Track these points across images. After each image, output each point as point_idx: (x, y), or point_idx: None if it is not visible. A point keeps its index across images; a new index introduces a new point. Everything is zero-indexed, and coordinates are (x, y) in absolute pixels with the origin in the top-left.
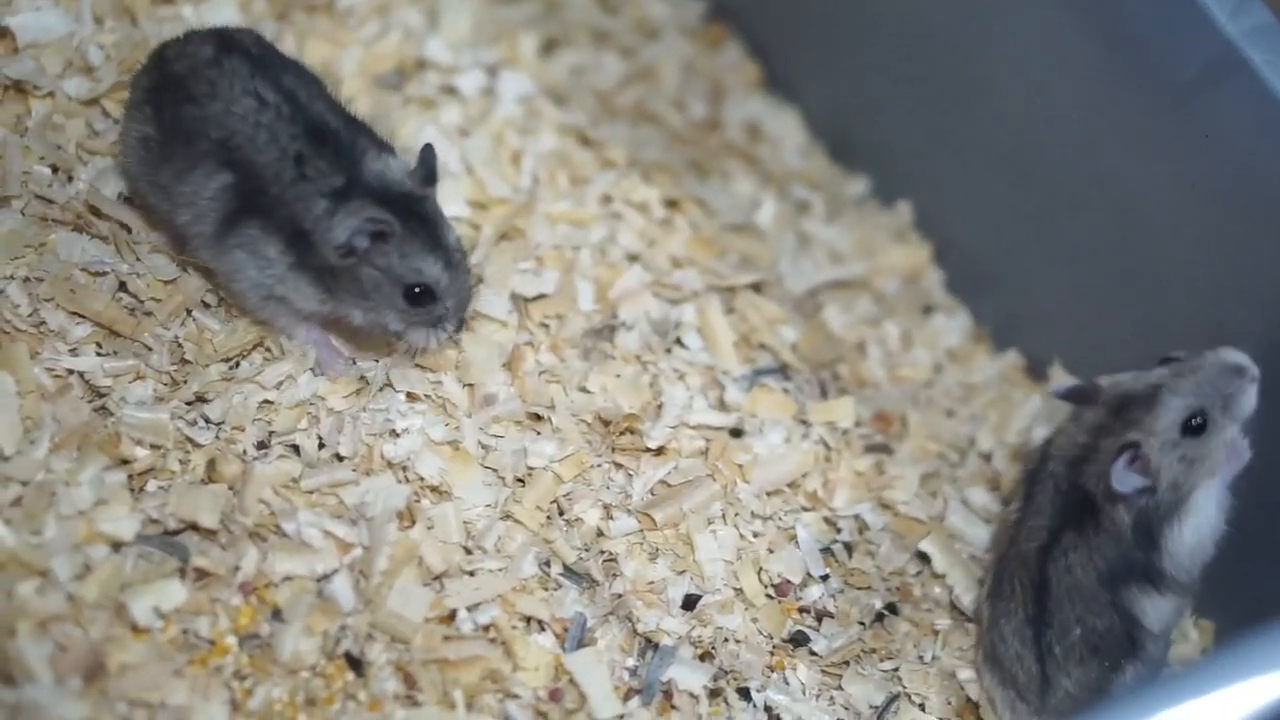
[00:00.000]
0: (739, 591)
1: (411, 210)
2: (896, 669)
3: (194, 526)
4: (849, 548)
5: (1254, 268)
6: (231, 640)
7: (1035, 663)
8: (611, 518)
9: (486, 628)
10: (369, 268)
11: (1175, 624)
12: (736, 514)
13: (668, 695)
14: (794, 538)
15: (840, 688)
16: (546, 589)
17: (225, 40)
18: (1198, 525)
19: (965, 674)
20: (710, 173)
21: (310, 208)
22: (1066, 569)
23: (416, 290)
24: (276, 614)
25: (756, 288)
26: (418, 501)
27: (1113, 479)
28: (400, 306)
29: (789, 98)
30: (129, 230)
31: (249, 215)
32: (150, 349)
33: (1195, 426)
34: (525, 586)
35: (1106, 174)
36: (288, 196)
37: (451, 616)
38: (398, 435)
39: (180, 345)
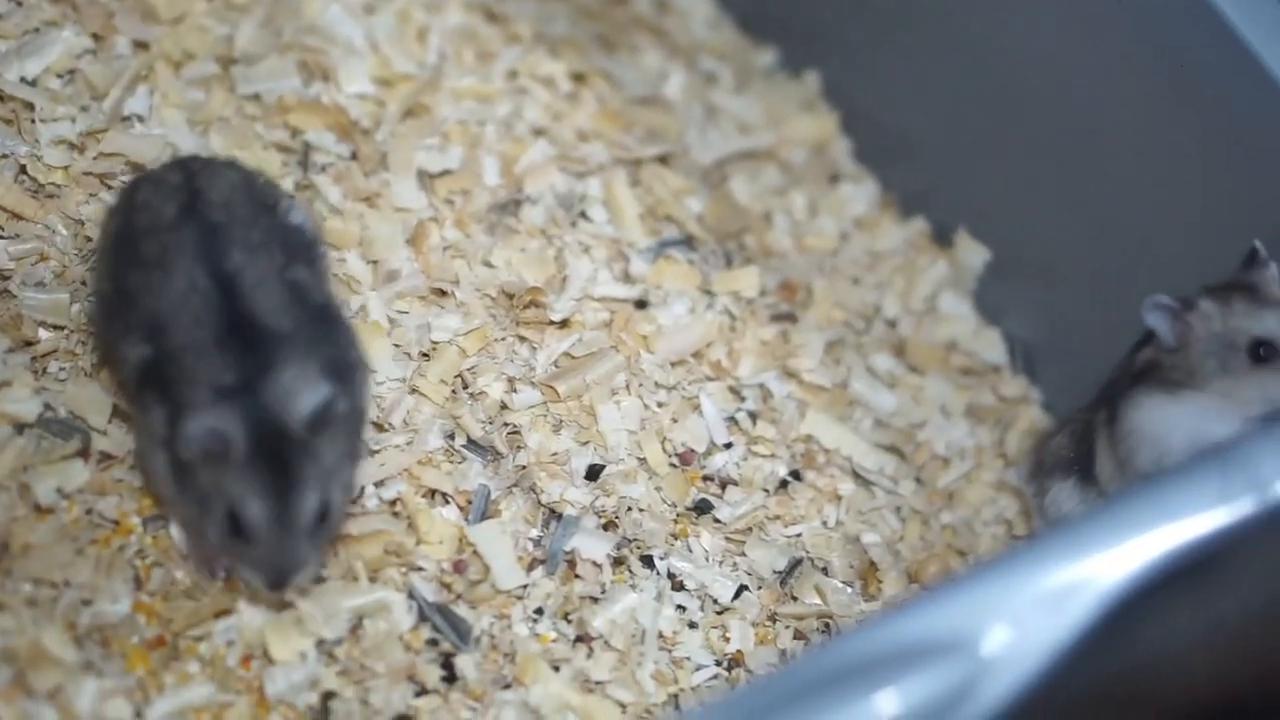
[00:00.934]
0: (643, 461)
1: (273, 446)
2: (799, 535)
3: None
4: (753, 416)
5: (1161, 134)
6: (135, 520)
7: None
8: (515, 390)
9: (392, 503)
10: (202, 477)
11: None
12: (640, 384)
13: (571, 565)
14: (698, 407)
15: (744, 554)
16: (451, 462)
17: (192, 196)
18: (1165, 417)
19: (869, 537)
20: (618, 47)
21: (191, 394)
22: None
23: (237, 522)
24: None
25: (663, 160)
26: None
27: (1148, 302)
28: (220, 527)
29: None
30: (32, 108)
31: (153, 387)
32: (54, 232)
33: (1260, 355)
34: (430, 460)
35: (1017, 40)
36: (181, 376)
37: (359, 493)
38: None
39: (83, 225)
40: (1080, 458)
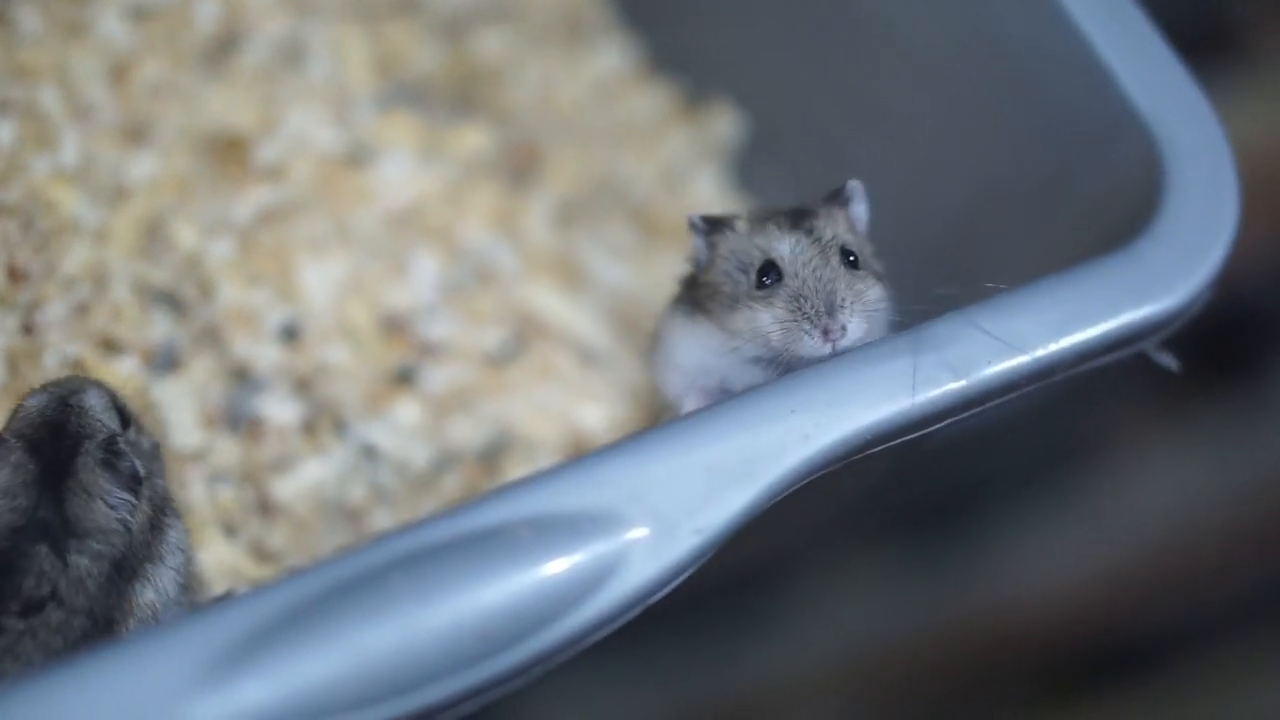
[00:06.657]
0: (344, 323)
1: None
2: (508, 409)
3: None
4: (472, 282)
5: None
6: None
7: None
8: (210, 241)
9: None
10: None
11: None
12: (349, 243)
13: (256, 426)
14: (411, 269)
15: (445, 426)
16: (138, 313)
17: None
18: (680, 335)
19: (585, 413)
20: None
21: None
22: None
23: None
24: None
25: (400, 9)
26: None
27: (689, 217)
28: None
29: None
30: None
31: None
32: None
33: (764, 281)
34: (116, 311)
35: None
36: None
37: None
38: None
39: None
40: None
